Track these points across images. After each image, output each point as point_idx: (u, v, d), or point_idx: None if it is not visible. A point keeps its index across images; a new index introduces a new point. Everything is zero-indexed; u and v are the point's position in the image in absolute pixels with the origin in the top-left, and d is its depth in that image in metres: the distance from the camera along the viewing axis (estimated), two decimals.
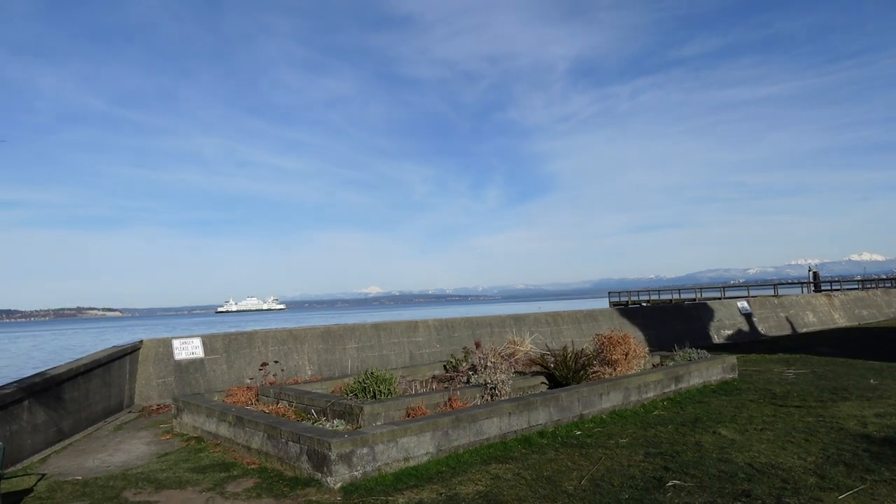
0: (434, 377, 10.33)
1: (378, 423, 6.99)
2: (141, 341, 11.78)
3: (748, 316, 23.52)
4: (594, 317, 19.19)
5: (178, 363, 11.75)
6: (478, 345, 12.36)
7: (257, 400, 9.30)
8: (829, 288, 55.26)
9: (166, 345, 11.84)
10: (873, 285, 55.48)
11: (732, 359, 11.79)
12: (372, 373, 8.23)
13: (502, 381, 8.58)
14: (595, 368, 9.58)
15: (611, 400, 8.90)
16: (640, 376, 9.56)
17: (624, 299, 66.71)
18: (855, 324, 26.90)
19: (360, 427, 7.00)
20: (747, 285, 74.52)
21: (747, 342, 20.69)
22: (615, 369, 9.77)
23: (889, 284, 53.68)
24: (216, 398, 9.33)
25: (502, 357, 10.33)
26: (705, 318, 22.19)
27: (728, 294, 59.87)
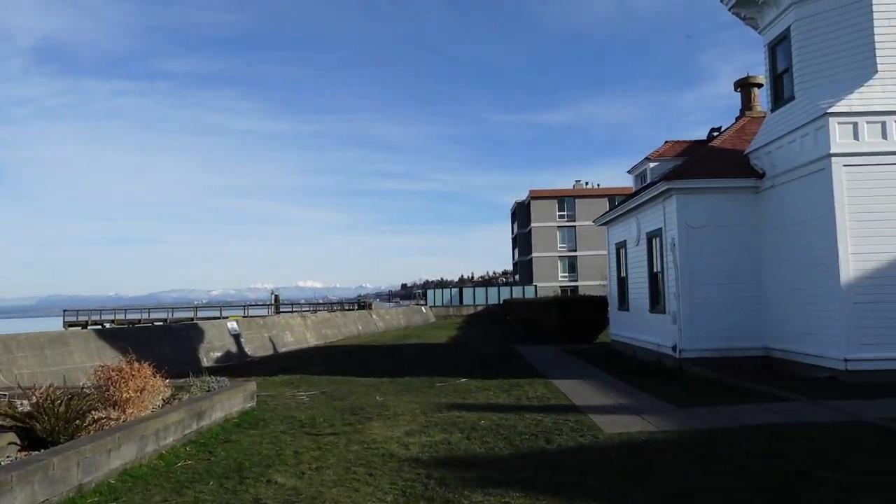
0: None
1: None
2: None
3: (237, 337, 22.96)
4: (64, 341, 15.11)
5: None
6: None
7: None
8: (289, 310, 60.98)
9: None
10: (325, 308, 64.10)
11: (253, 385, 10.62)
12: None
13: None
14: (98, 413, 6.88)
15: (122, 456, 6.44)
16: (160, 418, 7.35)
17: (83, 318, 58.31)
18: (322, 342, 29.64)
19: None
20: (219, 306, 76.00)
21: (237, 364, 19.98)
22: (125, 411, 7.26)
23: (342, 308, 62.88)
24: None
25: None
26: (196, 340, 20.51)
27: (200, 314, 59.37)
